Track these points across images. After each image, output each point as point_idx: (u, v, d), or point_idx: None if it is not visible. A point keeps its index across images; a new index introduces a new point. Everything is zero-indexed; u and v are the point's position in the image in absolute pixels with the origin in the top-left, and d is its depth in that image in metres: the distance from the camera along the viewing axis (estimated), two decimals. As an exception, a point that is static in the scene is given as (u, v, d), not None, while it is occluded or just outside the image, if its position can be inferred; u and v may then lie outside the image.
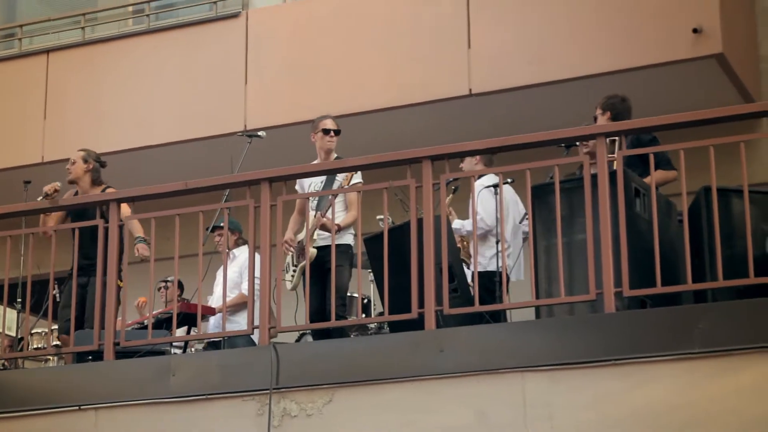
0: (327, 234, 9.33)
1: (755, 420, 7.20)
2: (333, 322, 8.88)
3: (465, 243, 9.96)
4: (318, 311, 9.27)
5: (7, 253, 9.32)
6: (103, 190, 10.24)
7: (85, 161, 10.46)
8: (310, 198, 9.53)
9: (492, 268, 9.43)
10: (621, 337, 7.57)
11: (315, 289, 9.30)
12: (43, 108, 14.10)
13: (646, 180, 8.24)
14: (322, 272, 9.35)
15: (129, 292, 9.84)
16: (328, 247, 9.07)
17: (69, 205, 9.85)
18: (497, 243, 9.16)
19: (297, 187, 9.81)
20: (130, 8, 14.88)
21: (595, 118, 9.35)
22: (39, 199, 10.27)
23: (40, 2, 16.31)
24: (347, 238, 9.68)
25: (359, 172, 9.64)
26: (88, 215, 9.74)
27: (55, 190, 10.09)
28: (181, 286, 11.91)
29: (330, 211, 9.39)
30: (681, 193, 7.87)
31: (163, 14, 14.62)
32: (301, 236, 9.67)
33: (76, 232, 9.66)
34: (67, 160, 11.47)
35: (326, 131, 9.91)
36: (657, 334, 7.51)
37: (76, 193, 10.37)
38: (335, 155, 9.96)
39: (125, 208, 9.49)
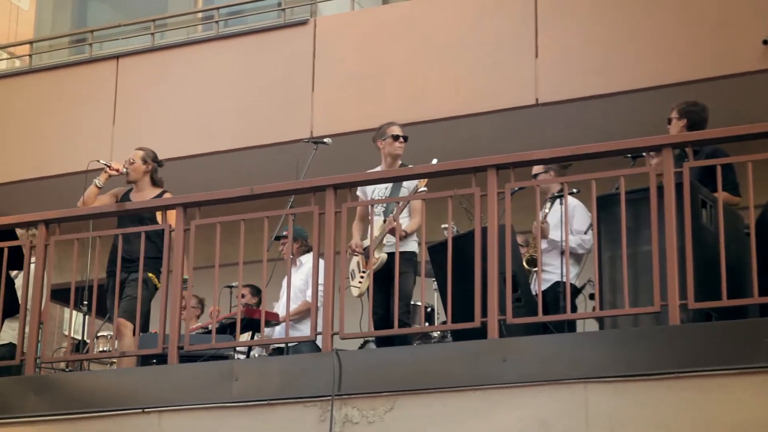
0: (393, 240, 9.31)
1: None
2: (396, 330, 8.87)
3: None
4: (383, 318, 9.27)
5: (74, 256, 9.39)
6: (161, 194, 10.29)
7: (145, 162, 10.49)
8: (379, 204, 9.53)
9: (573, 281, 9.37)
10: (686, 350, 7.51)
11: (380, 296, 9.30)
12: (113, 113, 14.20)
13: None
14: (387, 279, 9.33)
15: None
16: (393, 254, 9.08)
17: (135, 209, 9.90)
18: (562, 254, 9.11)
19: (359, 193, 9.80)
20: (200, 15, 14.97)
21: (669, 121, 9.26)
22: (99, 161, 10.37)
23: (110, 8, 16.45)
24: (412, 246, 9.66)
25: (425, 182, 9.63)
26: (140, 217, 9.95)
27: (117, 170, 10.22)
28: (257, 291, 11.81)
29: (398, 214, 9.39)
30: (749, 205, 7.81)
31: (231, 21, 14.70)
32: (367, 242, 9.65)
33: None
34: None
35: (395, 137, 9.90)
36: (722, 347, 7.45)
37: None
38: (400, 162, 9.96)
39: (171, 215, 9.62)
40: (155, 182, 10.48)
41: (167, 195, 10.29)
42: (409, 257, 9.52)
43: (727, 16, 11.77)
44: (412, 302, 10.02)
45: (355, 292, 9.71)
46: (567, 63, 12.34)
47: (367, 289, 9.40)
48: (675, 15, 12.02)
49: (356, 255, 9.76)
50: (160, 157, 10.72)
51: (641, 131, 9.46)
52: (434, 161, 9.46)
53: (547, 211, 9.54)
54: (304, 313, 10.46)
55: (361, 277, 9.69)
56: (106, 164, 10.42)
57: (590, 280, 9.54)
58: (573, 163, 9.41)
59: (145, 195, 10.36)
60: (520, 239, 10.15)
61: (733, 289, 7.69)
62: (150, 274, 9.70)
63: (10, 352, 9.98)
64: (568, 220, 8.85)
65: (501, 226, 8.30)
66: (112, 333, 10.69)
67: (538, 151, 9.09)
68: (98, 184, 10.35)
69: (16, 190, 14.38)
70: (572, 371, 7.72)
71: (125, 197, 10.41)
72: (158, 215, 9.97)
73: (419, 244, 9.62)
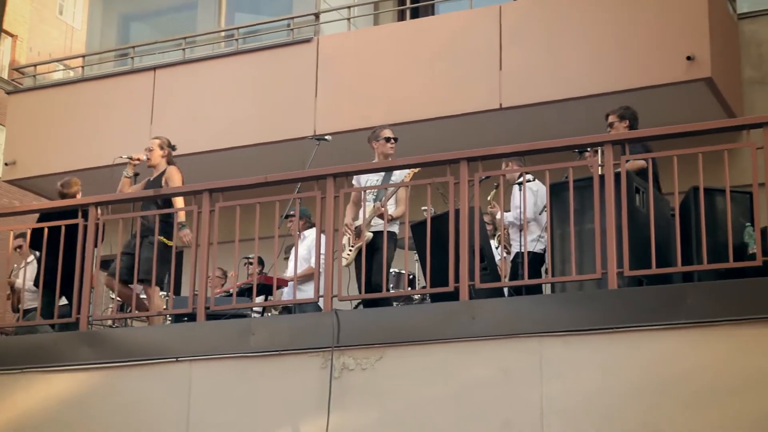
0: (380, 222, 9.36)
1: (734, 381, 7.20)
2: (384, 293, 8.92)
3: (506, 231, 9.93)
4: (367, 284, 9.33)
5: (119, 233, 9.42)
6: (166, 169, 10.33)
7: (162, 148, 10.49)
8: (370, 192, 9.57)
9: (530, 249, 9.39)
10: (622, 309, 7.57)
11: (365, 266, 9.38)
12: (150, 115, 14.21)
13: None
14: (371, 252, 9.38)
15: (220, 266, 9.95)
16: (378, 232, 9.15)
17: (169, 193, 9.91)
18: (520, 230, 9.15)
19: (354, 181, 9.83)
20: (223, 33, 14.96)
21: (611, 125, 9.31)
22: (123, 156, 10.38)
23: (148, 27, 16.42)
24: (393, 227, 9.68)
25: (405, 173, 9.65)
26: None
27: (138, 159, 10.22)
28: (261, 262, 11.96)
29: (388, 202, 9.43)
30: (674, 192, 7.87)
31: (249, 38, 14.69)
32: (357, 222, 9.71)
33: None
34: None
35: (387, 139, 9.90)
36: (651, 307, 7.51)
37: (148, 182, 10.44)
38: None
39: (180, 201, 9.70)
40: (169, 163, 10.49)
41: (170, 167, 10.32)
42: (390, 236, 9.53)
43: (658, 36, 11.81)
44: (396, 270, 10.06)
45: (344, 262, 9.74)
46: (526, 74, 12.36)
47: (355, 260, 9.47)
48: (616, 35, 12.06)
49: (347, 233, 9.79)
50: (191, 150, 10.75)
51: (587, 130, 9.51)
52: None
53: (491, 196, 9.60)
54: (308, 276, 10.47)
55: (350, 250, 9.73)
56: (128, 157, 10.43)
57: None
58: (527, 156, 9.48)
59: (160, 171, 10.41)
60: (486, 218, 10.21)
61: (661, 260, 7.75)
62: (161, 237, 9.70)
63: (68, 312, 10.01)
64: (536, 198, 8.88)
65: (471, 208, 8.35)
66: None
67: (502, 146, 9.13)
68: (127, 175, 10.38)
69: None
70: (529, 327, 7.77)
71: (148, 181, 10.44)
72: (163, 181, 10.10)
73: (401, 224, 9.65)
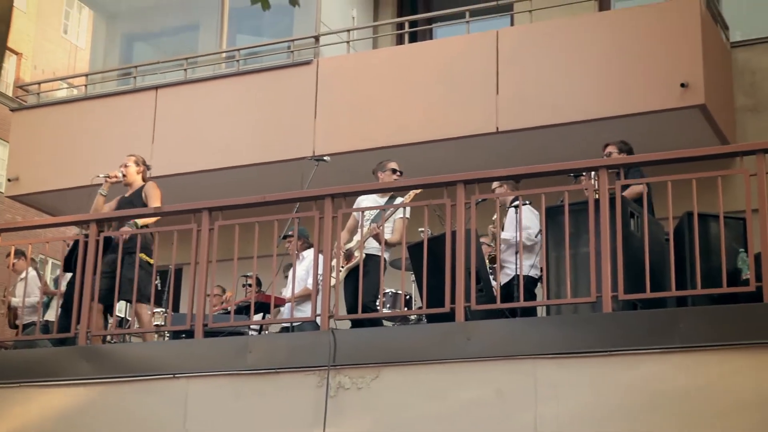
0: (374, 245, 9.32)
1: (726, 406, 7.15)
2: (382, 314, 8.89)
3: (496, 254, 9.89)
4: (352, 306, 9.30)
5: (119, 249, 9.36)
6: (144, 185, 10.23)
7: (137, 165, 10.40)
8: (367, 214, 9.52)
9: (531, 273, 9.34)
10: (616, 332, 7.53)
11: (350, 288, 9.36)
12: (152, 134, 14.16)
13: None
14: (356, 275, 9.32)
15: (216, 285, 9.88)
16: (366, 256, 9.23)
17: (169, 212, 9.83)
18: (516, 253, 9.11)
19: (354, 212, 9.80)
20: (224, 54, 14.93)
21: (609, 155, 9.29)
22: (99, 175, 10.26)
23: (151, 47, 16.40)
24: (380, 253, 9.58)
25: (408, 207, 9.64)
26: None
27: (115, 177, 10.13)
28: (259, 282, 11.86)
29: (383, 225, 9.40)
30: (668, 217, 7.83)
31: (249, 60, 14.67)
32: (348, 245, 9.67)
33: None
34: (171, 176, 11.50)
35: (393, 171, 9.96)
36: (645, 331, 7.47)
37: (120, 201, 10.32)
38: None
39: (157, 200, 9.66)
40: (144, 180, 10.39)
41: (149, 183, 10.22)
42: (378, 260, 9.46)
43: (652, 63, 11.79)
44: (393, 291, 10.00)
45: (332, 282, 9.69)
46: (522, 99, 12.34)
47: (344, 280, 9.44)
48: (611, 61, 12.04)
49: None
50: (191, 169, 10.69)
51: (582, 155, 9.48)
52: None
53: (495, 218, 9.56)
54: (305, 297, 10.41)
55: (340, 269, 9.69)
56: (105, 176, 10.31)
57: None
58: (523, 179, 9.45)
59: (134, 189, 10.29)
60: (487, 239, 10.17)
61: (655, 284, 7.71)
62: (142, 255, 9.58)
63: (65, 327, 9.93)
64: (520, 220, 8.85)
65: (467, 230, 8.31)
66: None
67: (498, 169, 9.10)
68: (103, 193, 10.25)
69: (72, 195, 14.32)
70: (524, 349, 7.73)
71: (121, 198, 10.33)
72: (142, 197, 10.02)
73: (388, 250, 9.62)
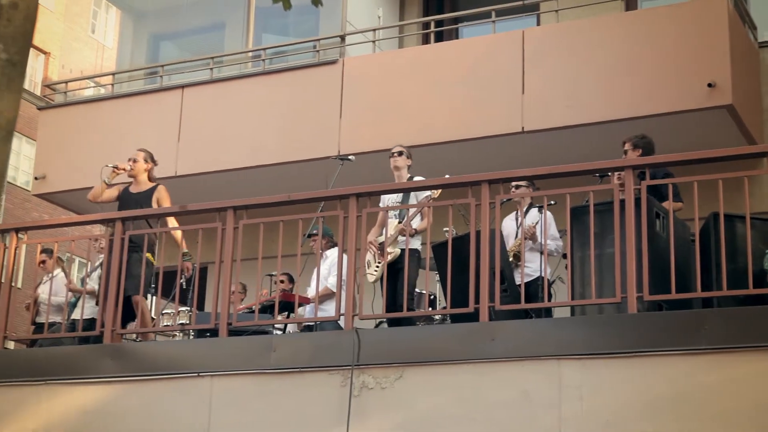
0: (403, 240, 9.30)
1: (750, 408, 7.09)
2: (405, 313, 8.86)
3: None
4: (390, 304, 9.26)
5: (143, 248, 9.37)
6: (155, 187, 10.28)
7: (146, 161, 10.44)
8: (391, 213, 9.50)
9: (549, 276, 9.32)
10: (641, 333, 7.49)
11: (389, 285, 9.31)
12: (178, 133, 14.18)
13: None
14: (394, 271, 9.33)
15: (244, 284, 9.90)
16: (401, 251, 9.06)
17: (194, 211, 9.85)
18: (542, 254, 9.08)
19: (381, 202, 9.80)
20: (250, 53, 14.95)
21: (626, 152, 9.24)
22: (108, 165, 10.32)
23: (177, 47, 16.44)
24: (416, 244, 9.63)
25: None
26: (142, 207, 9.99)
27: (123, 169, 10.16)
28: (292, 279, 11.77)
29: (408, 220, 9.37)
30: (694, 217, 7.79)
31: (275, 59, 14.68)
32: (380, 239, 9.66)
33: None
34: (196, 174, 11.50)
35: (391, 154, 9.93)
36: (670, 332, 7.43)
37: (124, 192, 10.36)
38: (408, 175, 9.93)
39: (173, 221, 9.66)
40: (150, 178, 10.43)
41: (160, 187, 10.27)
42: (413, 253, 9.46)
43: (679, 62, 11.72)
44: (417, 290, 10.00)
45: (371, 278, 9.68)
46: (548, 98, 12.29)
47: (381, 276, 9.39)
48: (638, 61, 11.98)
49: (370, 250, 9.73)
50: (217, 168, 10.71)
51: (607, 155, 9.43)
52: (446, 176, 9.44)
53: (521, 219, 9.54)
54: (327, 296, 10.39)
55: (377, 267, 9.67)
56: (113, 166, 10.36)
57: (559, 276, 9.54)
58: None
59: (142, 187, 10.35)
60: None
61: (680, 285, 7.66)
62: (148, 254, 9.60)
63: (91, 325, 9.98)
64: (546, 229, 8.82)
65: (491, 230, 8.28)
66: (173, 311, 10.71)
67: (523, 169, 9.07)
68: (107, 182, 10.30)
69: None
70: (548, 349, 7.70)
71: (125, 191, 10.37)
72: (154, 201, 10.07)
73: (423, 243, 9.60)
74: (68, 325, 10.45)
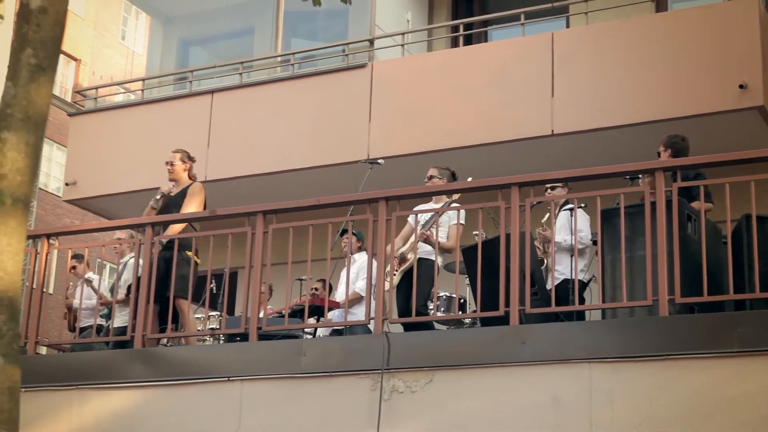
0: (426, 248, 9.30)
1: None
2: (436, 317, 8.87)
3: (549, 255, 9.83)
4: (404, 310, 9.30)
5: (174, 253, 9.41)
6: (190, 185, 10.22)
7: (183, 161, 10.37)
8: (421, 219, 9.48)
9: (581, 276, 9.26)
10: (673, 336, 7.45)
11: (402, 292, 9.34)
12: (207, 138, 14.23)
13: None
14: (408, 278, 9.30)
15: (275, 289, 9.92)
16: (422, 259, 9.22)
17: (223, 215, 9.89)
18: (571, 256, 9.05)
19: (410, 219, 9.77)
20: (279, 58, 14.99)
21: (659, 154, 9.19)
22: (157, 197, 10.22)
23: (206, 52, 16.51)
24: (433, 256, 9.53)
25: (462, 212, 9.58)
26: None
27: (169, 191, 10.18)
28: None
29: (433, 228, 9.35)
30: (726, 219, 7.74)
31: (304, 63, 14.71)
32: (402, 249, 9.66)
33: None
34: (226, 179, 11.51)
35: (431, 177, 9.91)
36: (703, 335, 7.38)
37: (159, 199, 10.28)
38: (446, 199, 9.87)
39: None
40: (190, 176, 10.38)
41: (195, 183, 10.23)
42: (430, 264, 9.42)
43: (710, 64, 11.66)
44: (447, 294, 9.97)
45: (387, 286, 9.67)
46: (577, 101, 12.25)
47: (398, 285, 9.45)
48: (667, 62, 11.92)
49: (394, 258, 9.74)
50: (246, 172, 10.74)
51: (637, 157, 9.39)
52: (469, 179, 9.45)
53: (544, 220, 9.52)
54: (357, 300, 10.37)
55: (394, 274, 9.66)
56: (161, 194, 10.22)
57: (594, 276, 9.49)
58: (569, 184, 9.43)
59: (180, 187, 10.28)
60: (536, 242, 10.11)
61: (713, 287, 7.62)
62: (189, 253, 9.63)
63: (122, 332, 10.02)
64: (569, 223, 8.79)
65: (521, 233, 8.26)
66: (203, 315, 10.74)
67: (553, 172, 9.05)
68: (154, 207, 10.16)
69: (132, 198, 14.46)
70: (579, 353, 7.67)
71: (169, 197, 10.23)
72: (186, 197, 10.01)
73: (445, 255, 9.60)
74: (99, 329, 10.50)
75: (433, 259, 9.35)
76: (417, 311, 8.94)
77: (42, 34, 3.85)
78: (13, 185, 3.73)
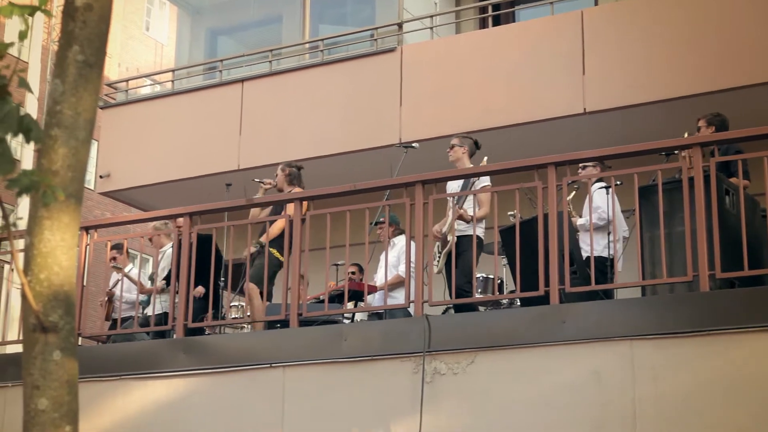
0: (463, 226, 9.30)
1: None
2: (475, 298, 8.88)
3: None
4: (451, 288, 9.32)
5: (212, 241, 9.49)
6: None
7: (283, 170, 10.77)
8: (453, 198, 9.51)
9: (604, 254, 9.26)
10: (714, 312, 7.46)
11: (447, 272, 9.35)
12: (239, 126, 14.30)
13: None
14: (455, 257, 9.30)
15: (312, 274, 9.96)
16: (459, 237, 9.12)
17: (260, 203, 9.97)
18: (608, 234, 9.05)
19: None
20: (307, 45, 15.02)
21: (699, 129, 9.17)
22: (255, 179, 10.82)
23: (235, 41, 16.56)
24: (470, 231, 9.50)
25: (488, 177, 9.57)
26: (274, 211, 10.05)
27: (270, 184, 10.57)
28: (362, 269, 11.77)
29: (466, 204, 9.34)
30: (765, 192, 7.73)
31: (333, 49, 14.74)
32: (444, 229, 9.66)
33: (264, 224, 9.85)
34: (259, 167, 11.60)
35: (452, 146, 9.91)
36: (744, 310, 7.39)
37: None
38: (470, 165, 9.85)
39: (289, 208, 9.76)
40: (291, 182, 10.69)
41: (296, 189, 10.42)
42: (467, 239, 9.40)
43: (744, 37, 11.59)
44: (485, 275, 9.98)
45: (435, 269, 9.70)
46: (609, 78, 12.23)
47: (445, 266, 9.45)
48: (700, 37, 11.86)
49: (437, 240, 9.74)
50: (279, 160, 10.83)
51: (672, 133, 9.39)
52: (485, 159, 9.42)
53: (569, 198, 9.47)
54: (397, 284, 10.42)
55: (439, 257, 9.68)
56: (260, 181, 10.72)
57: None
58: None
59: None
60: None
61: (753, 262, 7.62)
62: (272, 249, 9.75)
63: (163, 320, 10.11)
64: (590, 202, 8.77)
65: (559, 213, 8.28)
66: (243, 303, 10.82)
67: (589, 150, 9.06)
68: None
69: (165, 189, 14.57)
70: (620, 330, 7.69)
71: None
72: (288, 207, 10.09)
73: (486, 228, 9.59)
74: (141, 319, 10.60)
75: (471, 233, 9.35)
76: (460, 289, 8.91)
77: (88, 30, 3.89)
78: (65, 181, 3.78)
